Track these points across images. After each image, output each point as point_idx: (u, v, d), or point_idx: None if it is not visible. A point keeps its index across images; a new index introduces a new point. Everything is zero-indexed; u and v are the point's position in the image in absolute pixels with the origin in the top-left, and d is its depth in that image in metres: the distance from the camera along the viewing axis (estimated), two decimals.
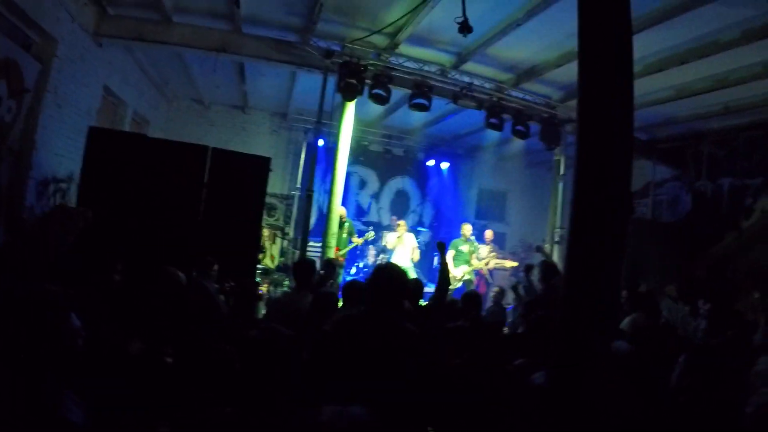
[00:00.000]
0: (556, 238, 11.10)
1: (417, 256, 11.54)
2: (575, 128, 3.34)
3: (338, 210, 9.58)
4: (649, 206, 11.86)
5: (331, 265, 7.38)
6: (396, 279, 3.40)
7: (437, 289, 5.61)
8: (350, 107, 9.38)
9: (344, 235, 10.37)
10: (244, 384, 2.70)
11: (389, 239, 11.57)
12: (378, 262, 13.00)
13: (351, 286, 4.99)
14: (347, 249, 10.78)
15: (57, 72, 7.29)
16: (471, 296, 5.84)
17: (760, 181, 9.80)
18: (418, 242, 12.48)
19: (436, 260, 13.66)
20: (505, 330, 6.97)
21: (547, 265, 7.46)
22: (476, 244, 11.17)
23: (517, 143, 12.89)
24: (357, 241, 11.13)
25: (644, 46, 7.64)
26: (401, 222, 11.79)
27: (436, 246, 6.80)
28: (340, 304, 7.16)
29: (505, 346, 4.77)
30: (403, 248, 11.22)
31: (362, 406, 2.04)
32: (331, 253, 9.37)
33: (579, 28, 3.45)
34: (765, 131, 9.75)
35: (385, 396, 2.98)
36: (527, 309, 5.84)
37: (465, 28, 6.52)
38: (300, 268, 6.09)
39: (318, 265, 7.59)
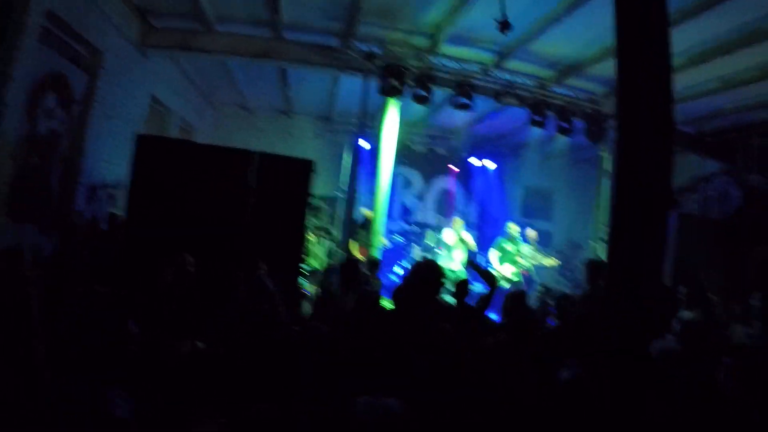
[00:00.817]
0: (603, 236, 10.88)
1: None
2: (615, 123, 3.32)
3: (369, 212, 9.70)
4: (698, 202, 11.50)
5: (373, 264, 7.49)
6: (431, 277, 3.44)
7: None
8: (392, 108, 9.48)
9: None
10: (285, 379, 2.81)
11: (447, 236, 11.49)
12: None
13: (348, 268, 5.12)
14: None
15: (104, 83, 7.61)
16: (516, 295, 5.77)
17: None
18: None
19: (484, 260, 13.59)
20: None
21: (594, 264, 7.29)
22: (521, 242, 11.04)
23: (562, 140, 12.69)
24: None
25: (687, 37, 7.48)
26: (457, 219, 11.70)
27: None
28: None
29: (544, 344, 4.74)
30: (463, 249, 11.12)
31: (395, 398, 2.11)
32: (375, 254, 9.47)
33: (615, 21, 3.43)
34: None
35: (413, 392, 3.06)
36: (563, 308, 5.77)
37: (505, 26, 6.52)
38: (344, 269, 6.24)
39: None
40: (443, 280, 4.13)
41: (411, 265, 12.18)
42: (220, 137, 12.27)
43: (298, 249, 8.45)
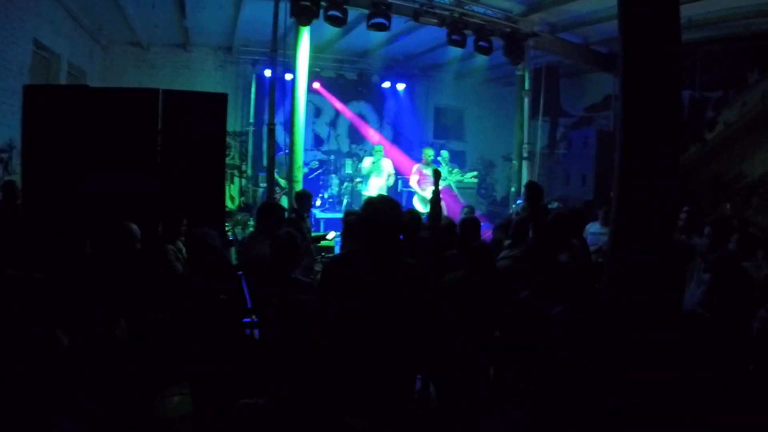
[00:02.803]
0: (525, 154, 10.98)
1: (392, 182, 11.28)
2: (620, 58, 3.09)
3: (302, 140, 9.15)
4: (611, 119, 11.84)
5: (306, 197, 7.07)
6: (391, 212, 3.14)
7: (430, 218, 5.42)
8: (305, 33, 8.80)
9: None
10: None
11: (365, 164, 11.17)
12: (343, 190, 12.73)
13: (348, 223, 4.75)
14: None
15: None
16: (470, 222, 5.59)
17: (720, 94, 9.90)
18: None
19: (400, 185, 13.47)
20: None
21: (533, 186, 7.17)
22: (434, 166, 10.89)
23: (472, 60, 12.60)
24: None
25: None
26: (378, 147, 11.37)
27: (432, 173, 6.52)
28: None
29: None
30: (378, 175, 10.87)
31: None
32: (299, 189, 9.03)
33: None
34: (723, 45, 9.88)
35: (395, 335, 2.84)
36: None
37: None
38: (260, 212, 5.76)
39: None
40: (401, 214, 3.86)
41: (337, 196, 11.89)
42: (113, 79, 11.13)
43: (219, 193, 7.87)
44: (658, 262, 3.17)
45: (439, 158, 11.24)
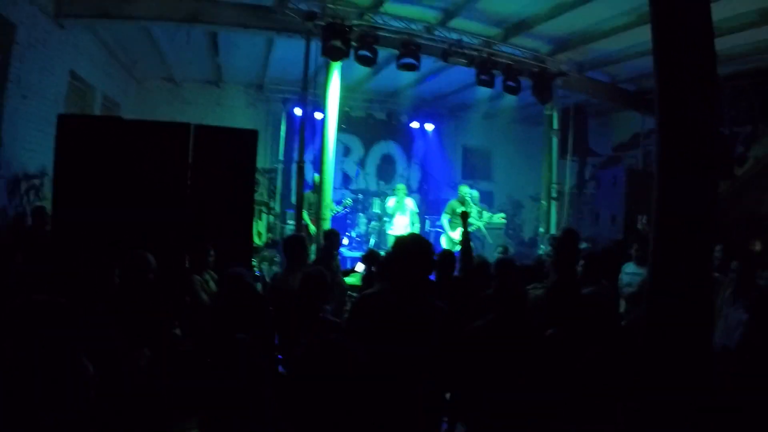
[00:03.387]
0: (553, 194, 10.90)
1: (416, 220, 11.26)
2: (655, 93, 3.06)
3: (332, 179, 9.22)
4: (640, 158, 11.72)
5: (333, 235, 7.05)
6: (422, 251, 3.12)
7: (461, 259, 5.36)
8: (335, 72, 8.96)
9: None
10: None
11: (390, 203, 11.18)
12: (370, 229, 12.73)
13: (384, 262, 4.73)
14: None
15: (18, 60, 6.78)
16: (505, 263, 5.51)
17: (750, 129, 9.76)
18: None
19: (428, 224, 13.43)
20: None
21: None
22: (473, 205, 10.82)
23: (500, 100, 12.65)
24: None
25: None
26: (400, 185, 11.38)
27: (460, 216, 6.51)
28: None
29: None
30: (403, 213, 10.86)
31: None
32: (327, 226, 9.05)
33: None
34: (751, 80, 9.77)
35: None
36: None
37: None
38: (288, 246, 5.77)
39: None
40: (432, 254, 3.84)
41: (364, 235, 11.86)
42: (146, 112, 11.40)
43: (247, 227, 7.94)
44: (699, 301, 3.08)
45: (467, 197, 11.14)
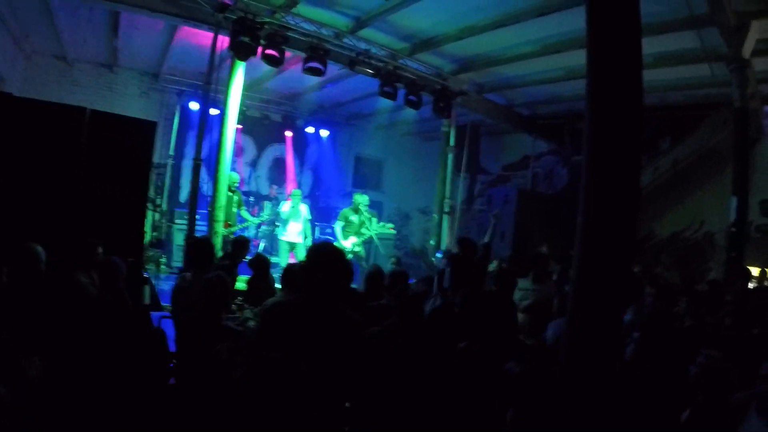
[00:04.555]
0: (446, 209, 11.22)
1: (308, 227, 11.06)
2: (586, 117, 3.19)
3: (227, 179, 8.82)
4: (529, 178, 12.42)
5: (242, 245, 6.74)
6: (340, 261, 3.08)
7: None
8: (240, 69, 8.65)
9: (233, 209, 9.58)
10: None
11: (284, 208, 10.89)
12: (260, 234, 12.39)
13: (290, 270, 4.58)
14: (240, 226, 9.96)
15: None
16: (398, 273, 5.54)
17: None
18: None
19: (318, 231, 13.32)
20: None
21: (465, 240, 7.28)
22: (367, 214, 10.79)
23: (398, 113, 12.89)
24: (251, 219, 10.49)
25: (547, 27, 7.81)
26: (296, 191, 11.13)
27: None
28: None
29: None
30: (297, 220, 10.64)
31: None
32: (221, 228, 8.69)
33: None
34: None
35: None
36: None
37: None
38: (197, 249, 5.47)
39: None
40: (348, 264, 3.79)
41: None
42: (32, 90, 10.27)
43: (139, 224, 7.45)
44: (617, 322, 3.27)
45: (361, 206, 11.09)
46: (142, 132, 7.23)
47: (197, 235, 8.91)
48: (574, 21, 7.29)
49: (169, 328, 4.71)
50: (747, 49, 7.06)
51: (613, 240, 3.21)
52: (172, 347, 4.65)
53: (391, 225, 12.68)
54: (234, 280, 6.42)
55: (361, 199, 10.57)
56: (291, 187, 13.82)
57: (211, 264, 5.39)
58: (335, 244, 4.78)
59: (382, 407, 3.73)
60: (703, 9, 6.54)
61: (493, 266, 6.67)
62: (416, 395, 3.60)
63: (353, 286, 5.58)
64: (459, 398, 3.61)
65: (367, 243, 10.95)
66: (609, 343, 3.26)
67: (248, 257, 6.74)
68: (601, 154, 3.17)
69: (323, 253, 3.10)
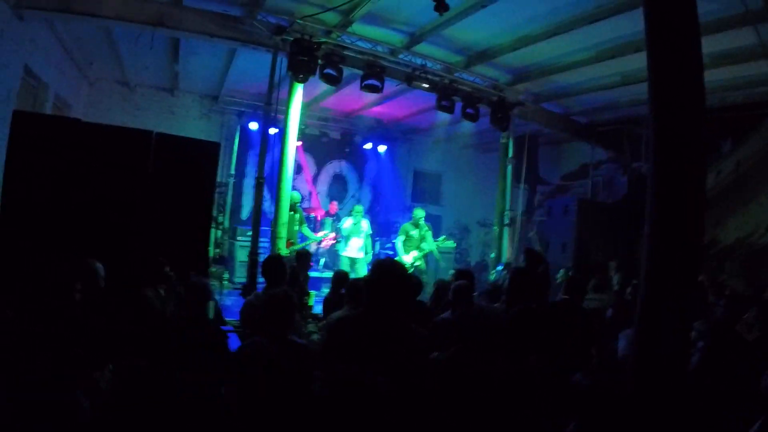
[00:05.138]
0: (506, 221, 11.11)
1: (369, 245, 11.19)
2: (650, 123, 3.13)
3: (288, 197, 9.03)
4: (588, 187, 12.16)
5: (304, 257, 6.91)
6: (402, 276, 3.13)
7: None
8: (299, 88, 8.89)
9: (295, 227, 9.78)
10: None
11: (345, 224, 11.07)
12: (321, 249, 12.59)
13: (354, 285, 4.66)
14: (303, 245, 10.14)
15: None
16: (461, 288, 5.53)
17: None
18: None
19: (378, 246, 13.41)
20: None
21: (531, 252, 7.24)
22: (426, 227, 10.79)
23: (455, 126, 12.88)
24: (313, 237, 10.69)
25: (601, 33, 7.69)
26: (358, 207, 11.29)
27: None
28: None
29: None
30: (358, 236, 10.77)
31: None
32: (283, 246, 8.89)
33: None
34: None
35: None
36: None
37: (441, 6, 6.25)
38: (270, 265, 5.67)
39: None
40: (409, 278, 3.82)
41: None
42: (97, 115, 10.87)
43: (204, 243, 7.72)
44: (686, 333, 3.19)
45: (421, 221, 11.08)
46: (206, 153, 7.49)
47: (260, 252, 9.14)
48: (628, 25, 7.20)
49: (235, 344, 4.88)
50: None
51: (682, 248, 3.13)
52: None
53: (443, 237, 12.61)
54: (303, 294, 6.59)
55: (419, 212, 10.63)
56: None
57: (284, 280, 5.56)
58: (397, 259, 4.82)
59: (447, 422, 3.73)
60: (759, 4, 6.29)
61: (560, 275, 6.57)
62: (480, 408, 3.58)
63: (420, 299, 5.66)
64: (524, 413, 3.57)
65: (428, 256, 10.96)
66: (677, 355, 3.17)
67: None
68: (666, 160, 3.10)
69: (386, 268, 3.17)
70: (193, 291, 4.45)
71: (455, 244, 13.16)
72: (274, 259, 5.89)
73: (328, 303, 6.37)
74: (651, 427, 2.89)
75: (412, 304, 5.03)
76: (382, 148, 15.37)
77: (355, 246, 10.83)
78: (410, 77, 9.50)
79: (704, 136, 3.25)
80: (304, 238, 10.38)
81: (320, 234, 11.28)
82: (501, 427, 3.37)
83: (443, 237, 12.24)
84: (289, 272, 6.74)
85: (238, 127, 13.27)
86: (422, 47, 9.37)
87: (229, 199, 13.15)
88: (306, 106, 12.66)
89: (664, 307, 3.12)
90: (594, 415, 2.88)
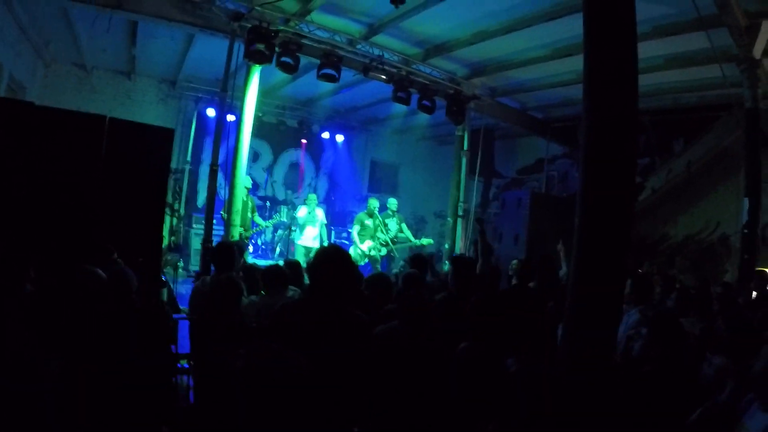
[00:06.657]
0: (460, 212, 11.29)
1: (324, 232, 11.21)
2: (583, 116, 3.26)
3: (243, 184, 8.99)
4: (543, 181, 12.44)
5: (239, 248, 6.90)
6: (345, 261, 3.19)
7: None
8: (256, 75, 8.82)
9: (248, 214, 9.73)
10: None
11: (300, 213, 11.06)
12: (276, 238, 12.58)
13: (273, 271, 4.74)
14: (253, 231, 10.16)
15: None
16: (410, 277, 5.61)
17: (647, 161, 10.63)
18: None
19: (333, 235, 13.44)
20: None
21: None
22: (380, 218, 10.85)
23: (412, 117, 12.99)
24: (264, 223, 10.64)
25: (557, 31, 7.88)
26: (312, 196, 11.31)
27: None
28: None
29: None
30: (313, 225, 10.80)
31: None
32: (236, 233, 8.84)
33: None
34: (652, 116, 10.70)
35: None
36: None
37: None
38: (219, 252, 5.63)
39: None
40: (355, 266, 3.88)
41: (270, 244, 11.69)
42: (51, 98, 10.55)
43: (156, 229, 7.61)
44: (614, 302, 3.33)
45: (375, 210, 11.13)
46: (161, 139, 7.40)
47: (214, 239, 9.07)
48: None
49: (185, 330, 4.88)
50: (758, 49, 7.07)
51: (608, 239, 3.26)
52: (187, 348, 4.82)
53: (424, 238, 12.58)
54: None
55: (374, 202, 10.72)
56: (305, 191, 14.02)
57: (232, 267, 5.54)
58: (343, 246, 4.86)
59: (388, 407, 3.82)
60: (712, 10, 6.57)
61: (513, 265, 6.74)
62: (419, 395, 3.69)
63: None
64: (461, 397, 3.68)
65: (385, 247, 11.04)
66: (605, 340, 3.30)
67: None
68: (595, 158, 3.24)
69: (328, 254, 3.22)
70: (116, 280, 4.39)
71: (432, 241, 13.25)
72: (223, 246, 5.86)
73: None
74: (576, 412, 3.03)
75: (355, 290, 5.06)
76: (339, 138, 15.37)
77: (310, 235, 10.86)
78: (367, 68, 9.53)
79: (635, 135, 3.40)
80: (256, 225, 10.34)
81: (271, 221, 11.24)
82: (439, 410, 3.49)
83: (424, 237, 12.15)
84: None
85: (195, 113, 13.06)
86: (380, 38, 9.42)
87: (185, 186, 12.93)
88: (264, 94, 12.59)
89: (590, 294, 3.25)
90: (518, 401, 3.00)
